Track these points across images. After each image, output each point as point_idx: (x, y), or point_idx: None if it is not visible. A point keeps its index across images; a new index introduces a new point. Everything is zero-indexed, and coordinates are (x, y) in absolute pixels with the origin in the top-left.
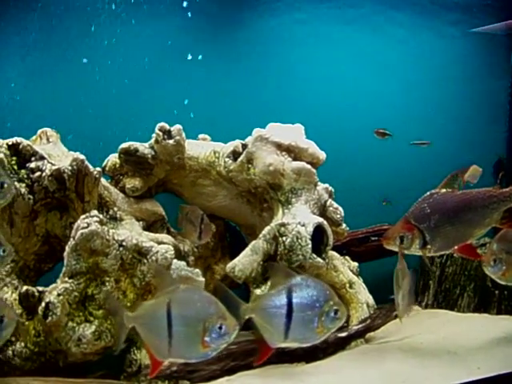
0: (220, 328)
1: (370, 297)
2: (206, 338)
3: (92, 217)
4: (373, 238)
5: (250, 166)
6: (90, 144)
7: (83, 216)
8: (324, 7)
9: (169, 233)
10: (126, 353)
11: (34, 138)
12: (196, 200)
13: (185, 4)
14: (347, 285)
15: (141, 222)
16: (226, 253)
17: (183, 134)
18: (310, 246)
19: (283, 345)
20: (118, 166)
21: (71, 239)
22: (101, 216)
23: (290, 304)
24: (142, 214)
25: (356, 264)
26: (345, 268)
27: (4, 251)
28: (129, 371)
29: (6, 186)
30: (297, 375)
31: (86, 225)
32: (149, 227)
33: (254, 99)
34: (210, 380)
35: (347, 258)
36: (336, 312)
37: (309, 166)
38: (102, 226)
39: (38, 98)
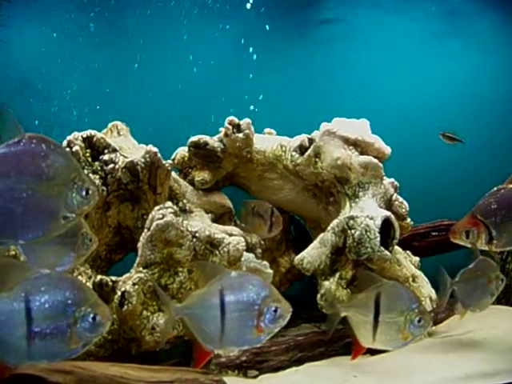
0: (275, 311)
1: (433, 291)
2: (261, 323)
3: (167, 208)
4: (433, 233)
5: (317, 159)
6: (159, 137)
7: (157, 207)
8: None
9: (236, 226)
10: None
11: (104, 131)
12: (262, 194)
13: (250, 2)
14: (410, 279)
15: (209, 215)
16: (290, 246)
17: (252, 128)
18: (378, 238)
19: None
20: (186, 159)
21: (145, 230)
22: (175, 207)
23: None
24: (210, 207)
25: (417, 259)
26: (407, 262)
27: (90, 240)
28: (194, 368)
29: (90, 192)
30: (363, 366)
31: (161, 216)
32: (217, 220)
33: (319, 94)
34: (278, 370)
35: (408, 252)
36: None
37: (376, 161)
38: (177, 217)
39: (107, 92)
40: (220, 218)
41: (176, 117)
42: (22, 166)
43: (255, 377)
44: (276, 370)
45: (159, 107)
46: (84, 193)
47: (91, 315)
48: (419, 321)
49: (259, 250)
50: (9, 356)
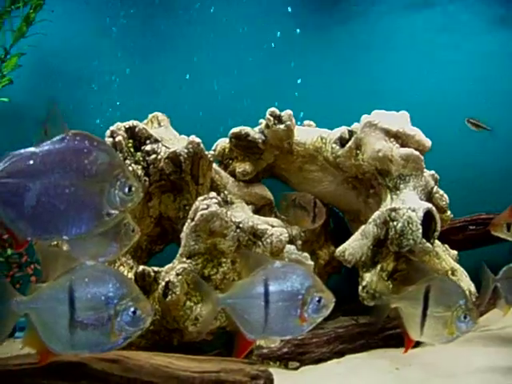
0: (319, 301)
1: (472, 284)
2: (305, 313)
3: (211, 198)
4: (471, 227)
5: (358, 151)
6: (198, 128)
7: (202, 197)
8: None
9: (276, 217)
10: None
11: (145, 121)
12: (302, 186)
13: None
14: (449, 272)
15: (250, 206)
16: (328, 238)
17: (293, 120)
18: (420, 230)
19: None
20: (227, 150)
21: (189, 220)
22: (219, 198)
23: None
24: (251, 198)
25: (455, 252)
26: (446, 255)
27: (133, 230)
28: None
29: (133, 188)
30: (404, 358)
31: (205, 206)
32: (257, 211)
33: (357, 87)
34: (320, 362)
35: (446, 246)
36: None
37: (417, 153)
38: (221, 208)
39: (149, 83)
40: (260, 209)
41: (215, 108)
42: (66, 162)
43: (296, 368)
44: (317, 361)
45: (199, 98)
46: (127, 190)
47: (132, 309)
48: (465, 317)
49: (299, 242)
50: (53, 343)
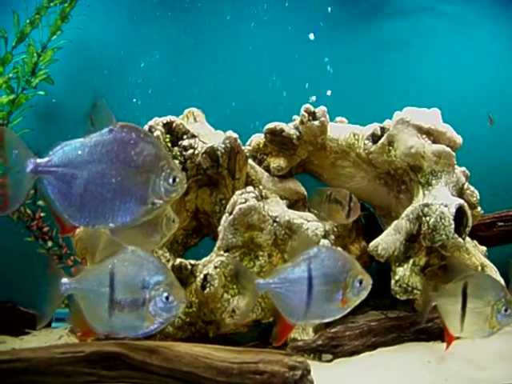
0: (360, 283)
1: (502, 280)
2: (346, 295)
3: (249, 193)
4: (500, 224)
5: (390, 148)
6: (232, 124)
7: (239, 192)
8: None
9: (309, 212)
10: (272, 326)
11: (181, 117)
12: (334, 181)
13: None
14: (479, 267)
15: (284, 201)
16: (360, 233)
17: (327, 116)
18: (452, 226)
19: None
20: (262, 145)
21: (227, 214)
22: (256, 192)
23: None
24: (285, 193)
25: (484, 248)
26: (476, 251)
27: (173, 221)
28: (275, 344)
29: (177, 179)
30: (435, 352)
31: (243, 200)
32: (291, 206)
33: (388, 83)
34: (353, 355)
35: (475, 241)
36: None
37: (448, 149)
38: (259, 202)
39: (186, 78)
40: (294, 204)
41: (248, 103)
42: (113, 153)
43: (330, 361)
44: (350, 354)
45: (232, 94)
46: (172, 180)
47: (165, 294)
48: (506, 310)
49: (332, 237)
50: (94, 322)
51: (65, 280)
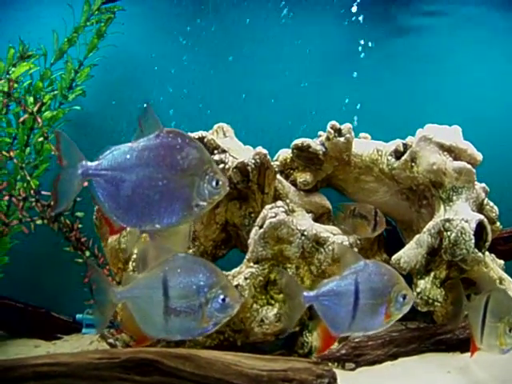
0: (404, 298)
1: None
2: (390, 309)
3: (278, 207)
4: None
5: (413, 164)
6: (258, 139)
7: (269, 206)
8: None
9: (334, 226)
10: (297, 335)
11: (210, 131)
12: (358, 195)
13: (354, 9)
14: (497, 281)
15: (310, 214)
16: (381, 246)
17: (352, 133)
18: (473, 241)
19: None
20: (289, 160)
21: (257, 227)
22: (286, 206)
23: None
24: (311, 207)
25: (502, 262)
26: (494, 265)
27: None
28: (300, 352)
29: (220, 182)
30: (454, 362)
31: (274, 214)
32: (316, 219)
33: (410, 100)
34: (375, 364)
35: (493, 255)
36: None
37: (469, 166)
38: (288, 216)
39: (214, 93)
40: (319, 217)
41: (274, 119)
42: (160, 157)
43: (353, 369)
44: (372, 363)
45: (259, 110)
46: (215, 183)
47: (221, 297)
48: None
49: (355, 250)
50: (149, 329)
51: (115, 289)
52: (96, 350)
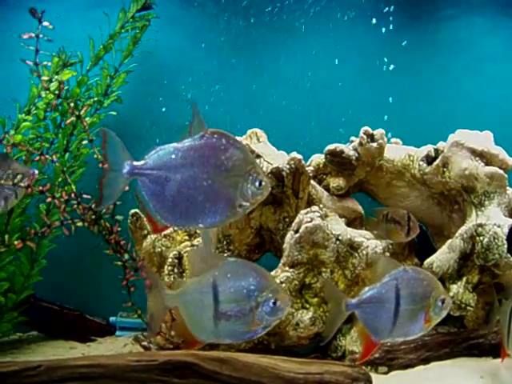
0: (442, 302)
1: None
2: (431, 313)
3: (314, 212)
4: None
5: (445, 169)
6: (291, 144)
7: (305, 211)
8: None
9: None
10: (331, 339)
11: (244, 137)
12: (389, 200)
13: (386, 10)
14: None
15: (343, 219)
16: (412, 251)
17: (385, 138)
18: (505, 245)
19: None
20: (321, 165)
21: (292, 232)
22: (321, 211)
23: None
24: (343, 212)
25: None
26: None
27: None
28: (333, 356)
29: (263, 183)
30: (488, 368)
31: (309, 219)
32: (349, 224)
33: (440, 105)
34: (407, 368)
35: None
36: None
37: (501, 171)
38: (323, 221)
39: (247, 98)
40: (352, 222)
41: (309, 124)
42: (205, 157)
43: (385, 373)
44: (405, 367)
45: (292, 115)
46: (258, 184)
47: (272, 300)
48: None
49: (387, 254)
50: (199, 333)
51: (167, 293)
52: (134, 353)
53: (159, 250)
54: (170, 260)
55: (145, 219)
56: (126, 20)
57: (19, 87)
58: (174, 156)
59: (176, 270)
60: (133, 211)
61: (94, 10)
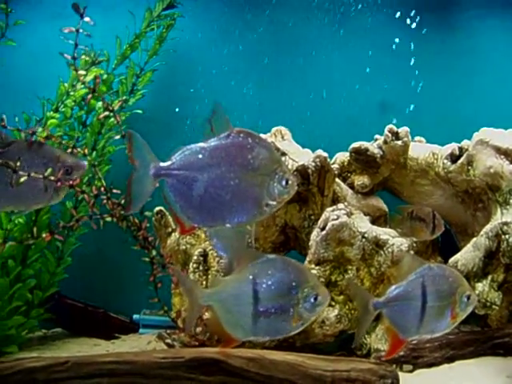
0: (468, 298)
1: None
2: (457, 310)
3: (340, 209)
4: None
5: (469, 167)
6: (314, 142)
7: (331, 208)
8: None
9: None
10: (353, 336)
11: (268, 135)
12: (413, 198)
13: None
14: None
15: (367, 217)
16: (435, 249)
17: (409, 136)
18: None
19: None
20: (346, 163)
21: (318, 229)
22: (347, 209)
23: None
24: (368, 209)
25: None
26: None
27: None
28: (358, 354)
29: (290, 182)
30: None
31: (335, 217)
32: (373, 222)
33: (464, 104)
34: (432, 366)
35: None
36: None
37: None
38: (349, 219)
39: (272, 96)
40: (376, 220)
41: (332, 122)
42: (231, 157)
43: (410, 371)
44: (429, 365)
45: (315, 113)
46: (284, 183)
47: (313, 295)
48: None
49: (412, 252)
50: (237, 331)
51: (202, 292)
52: (160, 350)
53: (184, 247)
54: (195, 258)
55: (169, 217)
56: (151, 19)
57: (45, 85)
58: (200, 156)
59: (201, 268)
60: (157, 209)
61: (120, 8)
